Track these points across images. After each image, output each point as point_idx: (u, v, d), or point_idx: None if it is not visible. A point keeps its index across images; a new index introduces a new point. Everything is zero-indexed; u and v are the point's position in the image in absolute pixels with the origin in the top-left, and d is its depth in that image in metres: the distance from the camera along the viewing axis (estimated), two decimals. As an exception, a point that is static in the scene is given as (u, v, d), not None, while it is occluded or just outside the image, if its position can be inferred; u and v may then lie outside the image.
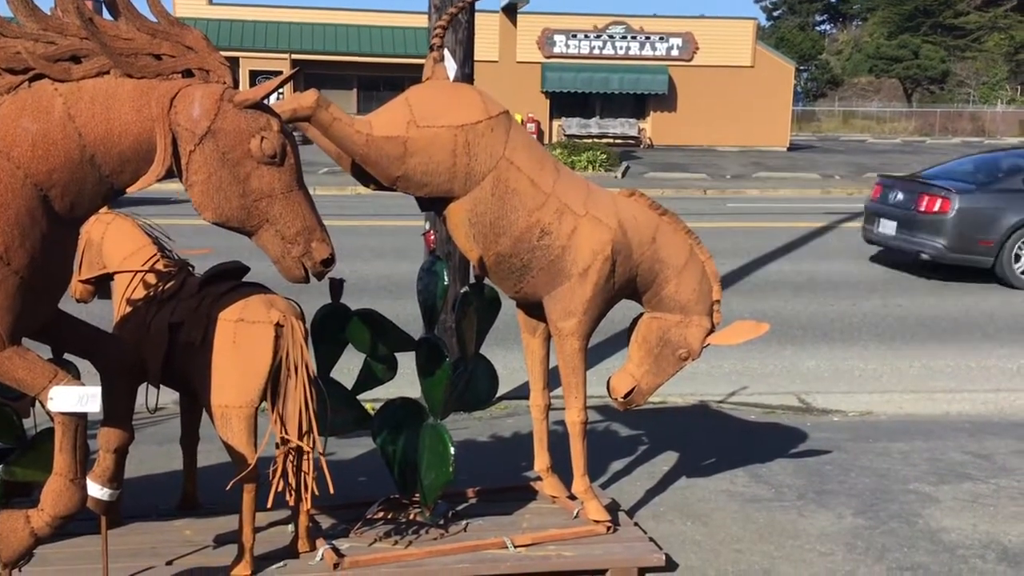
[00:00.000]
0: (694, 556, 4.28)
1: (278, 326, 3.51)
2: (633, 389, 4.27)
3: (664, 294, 4.21)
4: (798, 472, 5.40)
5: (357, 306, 4.14)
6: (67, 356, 3.68)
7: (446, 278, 4.07)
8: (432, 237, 5.22)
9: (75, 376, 3.64)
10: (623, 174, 26.91)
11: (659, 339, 4.25)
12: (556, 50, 36.50)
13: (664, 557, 4.03)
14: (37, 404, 3.49)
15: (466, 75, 6.27)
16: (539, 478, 4.56)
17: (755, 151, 35.77)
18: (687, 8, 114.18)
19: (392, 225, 14.94)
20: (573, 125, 36.81)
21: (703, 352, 4.33)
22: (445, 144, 3.74)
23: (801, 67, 55.29)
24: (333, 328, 4.08)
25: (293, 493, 3.58)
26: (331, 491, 3.54)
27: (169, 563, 3.70)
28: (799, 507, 4.89)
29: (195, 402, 3.93)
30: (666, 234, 4.20)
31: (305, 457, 3.56)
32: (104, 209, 4.06)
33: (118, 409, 3.63)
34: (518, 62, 34.87)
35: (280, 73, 3.15)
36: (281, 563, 3.72)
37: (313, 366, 3.65)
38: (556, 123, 37.10)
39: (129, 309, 3.95)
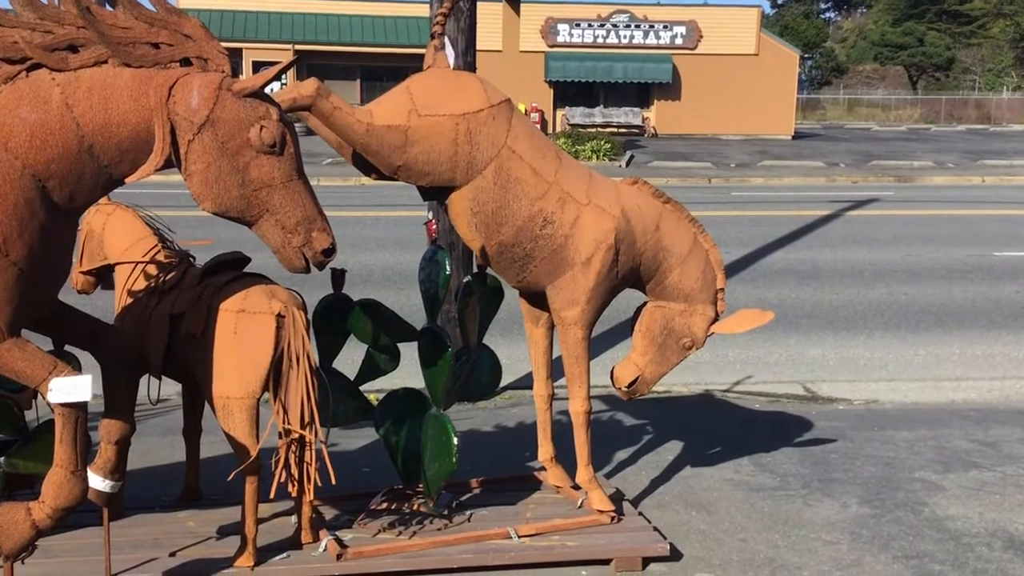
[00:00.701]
0: (699, 545, 4.27)
1: (279, 316, 3.50)
2: (637, 378, 4.26)
3: (668, 283, 4.19)
4: (803, 461, 5.38)
5: (359, 296, 4.13)
6: (68, 347, 3.67)
7: (448, 268, 4.05)
8: (434, 227, 5.20)
9: (76, 367, 3.63)
10: (627, 163, 26.86)
11: (663, 328, 4.23)
12: (560, 39, 36.37)
13: (668, 546, 4.03)
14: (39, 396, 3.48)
15: (468, 64, 6.24)
16: (543, 468, 4.55)
17: (760, 139, 35.64)
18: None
19: (395, 215, 14.92)
20: (577, 114, 36.69)
21: (707, 341, 4.31)
22: (447, 133, 3.71)
23: (806, 55, 55.02)
24: (335, 318, 4.06)
25: (296, 484, 3.57)
26: (334, 482, 3.54)
27: (172, 554, 3.70)
28: (804, 496, 4.87)
29: (197, 393, 3.93)
30: (669, 222, 4.18)
31: (308, 448, 3.55)
32: (104, 200, 4.04)
33: (119, 400, 3.63)
34: (521, 51, 34.70)
35: (284, 64, 3.12)
36: (284, 554, 3.72)
37: (315, 356, 3.63)
38: (560, 112, 36.98)
39: (130, 300, 3.94)
